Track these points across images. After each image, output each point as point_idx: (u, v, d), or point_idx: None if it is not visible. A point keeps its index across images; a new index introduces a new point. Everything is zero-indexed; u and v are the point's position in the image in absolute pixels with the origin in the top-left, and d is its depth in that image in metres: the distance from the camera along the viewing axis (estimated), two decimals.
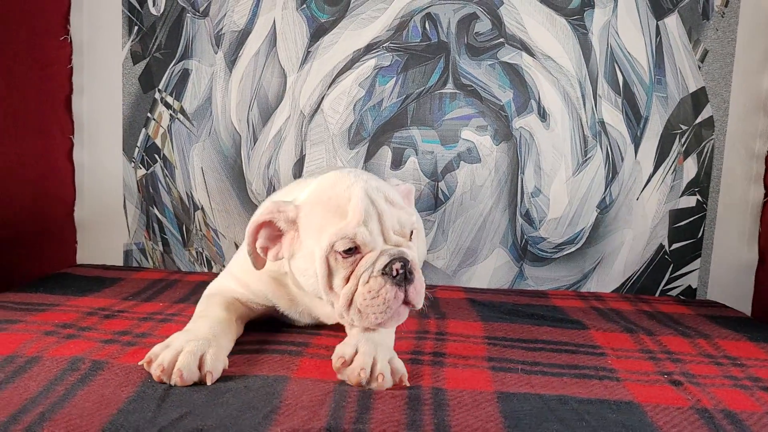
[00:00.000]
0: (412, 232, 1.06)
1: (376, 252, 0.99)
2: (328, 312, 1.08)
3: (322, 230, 1.00)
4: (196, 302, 1.33)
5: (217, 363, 0.93)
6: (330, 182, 1.04)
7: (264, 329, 1.17)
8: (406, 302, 0.99)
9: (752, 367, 1.08)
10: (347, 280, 0.99)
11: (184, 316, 1.24)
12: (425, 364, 1.03)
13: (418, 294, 0.99)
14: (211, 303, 1.13)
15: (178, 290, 1.47)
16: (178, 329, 1.13)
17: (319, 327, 1.19)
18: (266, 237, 1.06)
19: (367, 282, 0.98)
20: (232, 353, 1.03)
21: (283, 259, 1.07)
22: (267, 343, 1.10)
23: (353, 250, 0.99)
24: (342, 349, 0.97)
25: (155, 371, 0.91)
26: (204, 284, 1.53)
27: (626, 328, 1.29)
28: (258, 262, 1.06)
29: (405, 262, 0.98)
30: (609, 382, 0.98)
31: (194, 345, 0.94)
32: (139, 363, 0.95)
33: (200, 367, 0.91)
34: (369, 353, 0.95)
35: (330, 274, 1.00)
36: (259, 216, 1.05)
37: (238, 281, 1.17)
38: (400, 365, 0.95)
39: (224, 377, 0.93)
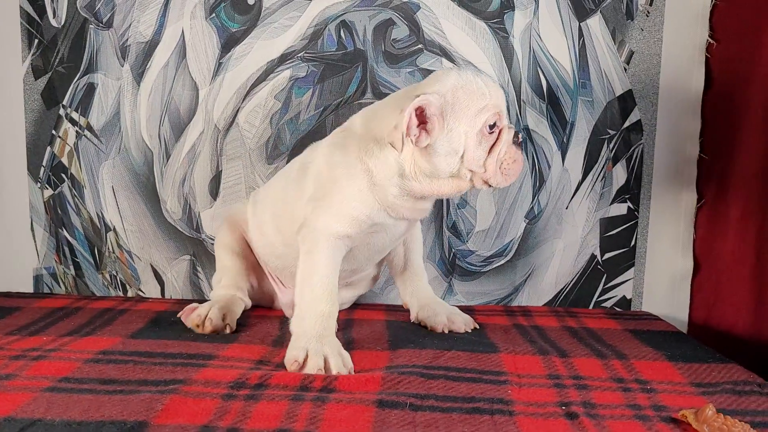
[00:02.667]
0: None
1: (505, 125, 1.18)
2: (447, 191, 1.20)
3: (473, 109, 1.14)
4: (85, 335, 1.27)
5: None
6: (455, 75, 1.17)
7: (147, 362, 1.09)
8: None
9: (661, 393, 1.01)
10: (489, 152, 1.17)
11: (63, 351, 1.15)
12: (306, 401, 0.95)
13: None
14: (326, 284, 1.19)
15: (74, 320, 1.38)
16: (50, 368, 1.06)
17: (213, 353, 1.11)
18: (415, 123, 1.14)
19: (506, 151, 1.18)
20: (101, 393, 0.96)
21: (417, 147, 1.15)
22: (142, 378, 1.02)
23: (494, 126, 1.16)
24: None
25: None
26: (108, 311, 1.47)
27: (540, 349, 1.22)
28: (400, 145, 1.13)
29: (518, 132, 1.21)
30: (500, 417, 0.91)
31: (324, 350, 1.10)
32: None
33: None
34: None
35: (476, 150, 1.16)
36: (416, 101, 1.12)
37: (347, 218, 1.20)
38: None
39: (82, 423, 0.85)
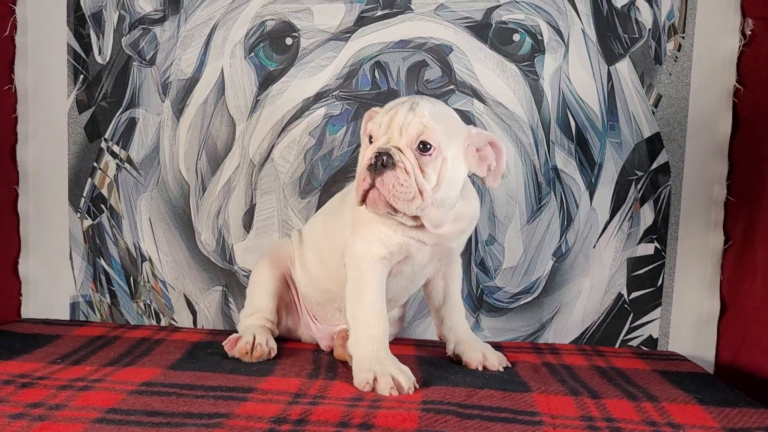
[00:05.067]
0: (429, 147, 1.18)
1: (377, 144, 1.19)
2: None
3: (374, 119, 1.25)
4: (126, 365, 1.30)
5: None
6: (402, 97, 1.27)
7: (188, 395, 1.12)
8: (379, 192, 1.17)
9: None
10: None
11: (107, 381, 1.18)
12: None
13: (384, 186, 1.16)
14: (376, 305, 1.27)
15: (113, 350, 1.41)
16: (97, 399, 1.09)
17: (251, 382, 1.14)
18: (371, 129, 1.25)
19: (363, 167, 1.18)
20: (148, 425, 0.99)
21: None
22: (186, 410, 1.04)
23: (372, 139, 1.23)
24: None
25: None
26: (145, 341, 1.50)
27: (572, 389, 1.24)
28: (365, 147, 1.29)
29: (382, 155, 1.16)
30: None
31: (389, 369, 1.19)
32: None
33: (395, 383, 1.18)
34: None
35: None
36: (370, 110, 1.31)
37: (378, 240, 1.27)
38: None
39: None
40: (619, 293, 1.66)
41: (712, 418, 1.12)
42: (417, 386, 1.20)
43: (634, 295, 1.66)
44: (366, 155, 1.21)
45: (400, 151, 1.18)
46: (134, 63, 1.68)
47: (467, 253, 1.65)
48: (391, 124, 1.20)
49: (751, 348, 1.58)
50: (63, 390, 1.13)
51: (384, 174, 1.16)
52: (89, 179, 1.71)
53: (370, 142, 1.23)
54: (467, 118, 1.62)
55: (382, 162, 1.16)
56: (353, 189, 1.37)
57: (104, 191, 1.71)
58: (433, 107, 1.22)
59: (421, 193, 1.18)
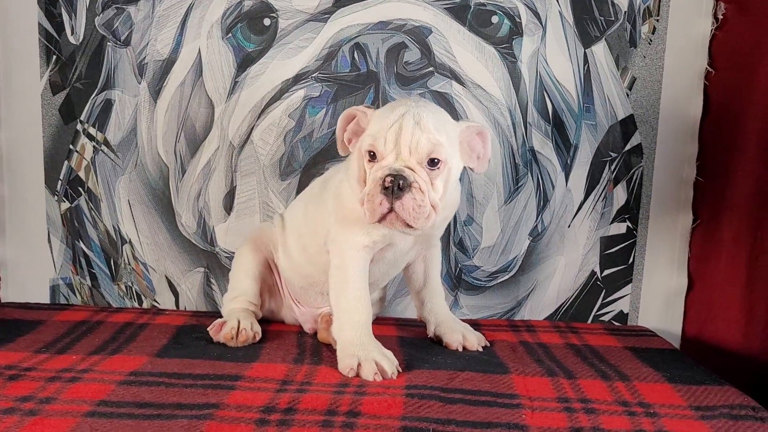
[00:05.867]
0: (438, 162, 1.19)
1: (385, 163, 1.17)
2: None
3: (368, 130, 1.22)
4: (112, 353, 1.32)
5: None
6: (396, 102, 1.25)
7: (177, 384, 1.14)
8: (397, 214, 1.16)
9: (663, 417, 1.08)
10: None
11: (95, 371, 1.20)
12: (336, 426, 1.01)
13: (405, 210, 1.16)
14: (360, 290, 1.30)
15: (97, 336, 1.42)
16: (87, 390, 1.11)
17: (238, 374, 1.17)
18: (351, 130, 1.28)
19: (372, 186, 1.17)
20: (140, 418, 1.01)
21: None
22: (176, 401, 1.07)
23: (375, 156, 1.19)
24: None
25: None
26: (129, 326, 1.51)
27: (548, 370, 1.29)
28: (342, 149, 1.31)
29: (398, 177, 1.14)
30: None
31: (372, 355, 1.23)
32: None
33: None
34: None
35: (363, 172, 1.22)
36: (348, 109, 1.29)
37: (362, 230, 1.28)
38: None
39: None
40: (592, 271, 1.72)
41: (680, 396, 1.18)
42: (400, 370, 1.24)
43: (606, 272, 1.72)
44: (376, 175, 1.17)
45: (412, 170, 1.17)
46: (109, 43, 1.65)
47: (446, 234, 1.68)
48: (398, 142, 1.17)
49: (715, 321, 1.66)
50: (51, 382, 1.14)
51: (403, 198, 1.15)
52: (65, 162, 1.69)
53: (371, 157, 1.21)
54: (446, 100, 1.64)
55: (399, 185, 1.15)
56: (332, 178, 1.39)
57: (81, 174, 1.70)
58: (433, 117, 1.20)
59: (433, 207, 1.19)
